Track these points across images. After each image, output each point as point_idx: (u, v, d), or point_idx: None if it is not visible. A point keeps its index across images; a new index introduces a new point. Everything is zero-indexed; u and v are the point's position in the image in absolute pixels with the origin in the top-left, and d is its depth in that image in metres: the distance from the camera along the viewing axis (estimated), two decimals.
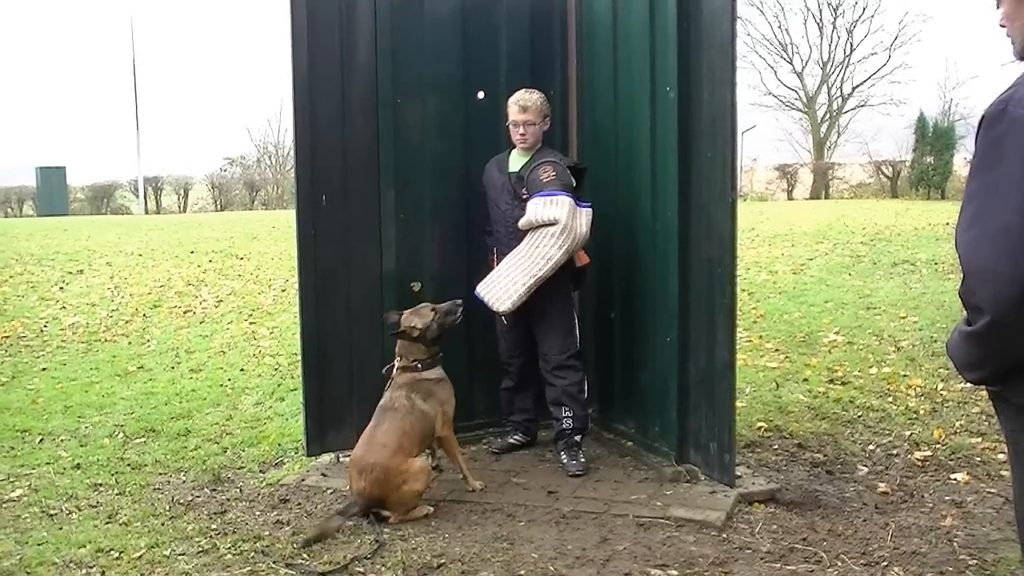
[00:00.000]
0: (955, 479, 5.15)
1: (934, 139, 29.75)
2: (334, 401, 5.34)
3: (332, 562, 4.12)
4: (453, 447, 5.06)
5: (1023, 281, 2.16)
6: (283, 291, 11.13)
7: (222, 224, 19.69)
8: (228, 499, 5.04)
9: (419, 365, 4.94)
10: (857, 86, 41.52)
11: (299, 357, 5.43)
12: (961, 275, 2.32)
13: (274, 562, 4.13)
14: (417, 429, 4.81)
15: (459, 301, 5.11)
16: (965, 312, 2.35)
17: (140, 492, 5.14)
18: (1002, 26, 2.43)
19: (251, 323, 9.52)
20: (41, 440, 6.10)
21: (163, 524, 4.65)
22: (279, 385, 7.29)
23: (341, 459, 5.41)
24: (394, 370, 4.98)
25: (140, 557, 4.23)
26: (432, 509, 4.77)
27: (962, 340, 2.36)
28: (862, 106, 41.59)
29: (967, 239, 2.27)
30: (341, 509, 4.66)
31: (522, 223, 5.21)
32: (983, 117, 2.29)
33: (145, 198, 36.30)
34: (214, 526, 4.62)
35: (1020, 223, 2.16)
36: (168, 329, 9.45)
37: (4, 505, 4.99)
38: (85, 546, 4.36)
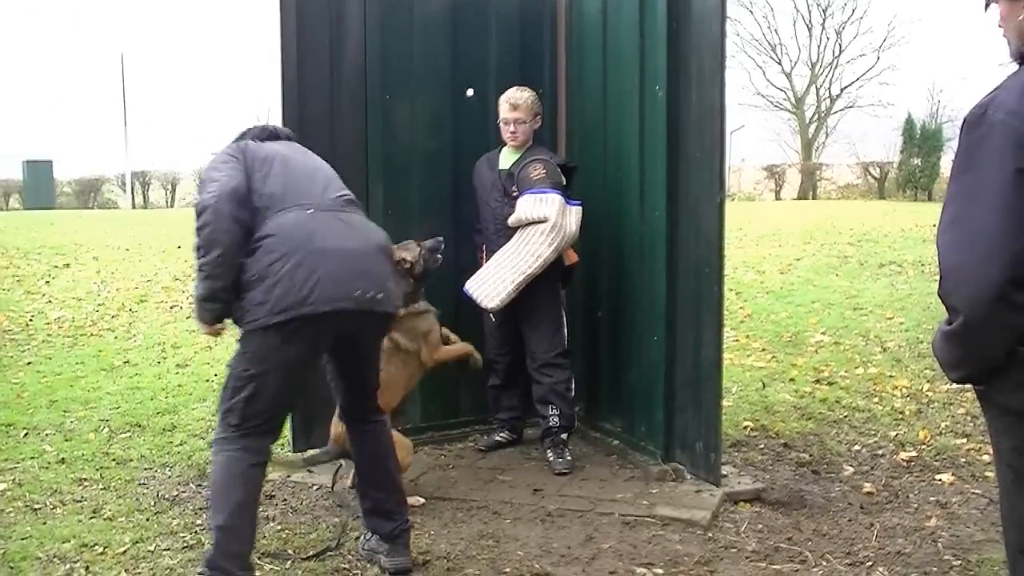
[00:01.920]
0: (940, 480, 5.17)
1: (922, 141, 29.90)
2: (320, 397, 5.29)
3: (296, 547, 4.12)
4: (451, 355, 5.09)
5: (997, 283, 2.19)
6: None
7: None
8: None
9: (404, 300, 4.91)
10: (845, 87, 41.70)
11: None
12: (940, 276, 2.35)
13: (259, 557, 4.12)
14: (401, 372, 4.85)
15: (441, 238, 5.05)
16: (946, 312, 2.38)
17: (125, 487, 5.12)
18: (1000, 27, 2.45)
19: None
20: (26, 434, 6.07)
21: (148, 519, 4.63)
22: None
23: (332, 427, 5.39)
24: None
25: (124, 552, 4.22)
26: (424, 500, 4.78)
27: (943, 340, 2.40)
28: (850, 107, 41.77)
29: (945, 241, 2.31)
30: (307, 457, 4.75)
31: (512, 220, 5.22)
32: (964, 120, 2.32)
33: (132, 193, 36.22)
34: (199, 521, 4.60)
35: (995, 226, 2.19)
36: (154, 324, 9.42)
37: None
38: (69, 541, 4.34)
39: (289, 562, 4.08)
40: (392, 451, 4.09)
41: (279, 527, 4.50)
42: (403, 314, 4.88)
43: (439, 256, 5.00)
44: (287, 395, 3.70)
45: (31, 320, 9.60)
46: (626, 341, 5.53)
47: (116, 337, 8.95)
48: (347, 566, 4.06)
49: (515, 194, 5.26)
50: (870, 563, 4.08)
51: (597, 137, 5.70)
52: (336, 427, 4.76)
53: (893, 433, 5.96)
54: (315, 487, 5.04)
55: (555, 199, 5.13)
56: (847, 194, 33.69)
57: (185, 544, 4.30)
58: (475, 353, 5.18)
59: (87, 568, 4.07)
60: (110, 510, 4.76)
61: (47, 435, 6.05)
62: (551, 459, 5.35)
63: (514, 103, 5.36)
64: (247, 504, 3.59)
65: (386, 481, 3.99)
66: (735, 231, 15.22)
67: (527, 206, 5.15)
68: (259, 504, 3.71)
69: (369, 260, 3.69)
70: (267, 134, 3.96)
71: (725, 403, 5.66)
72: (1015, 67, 2.38)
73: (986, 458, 5.37)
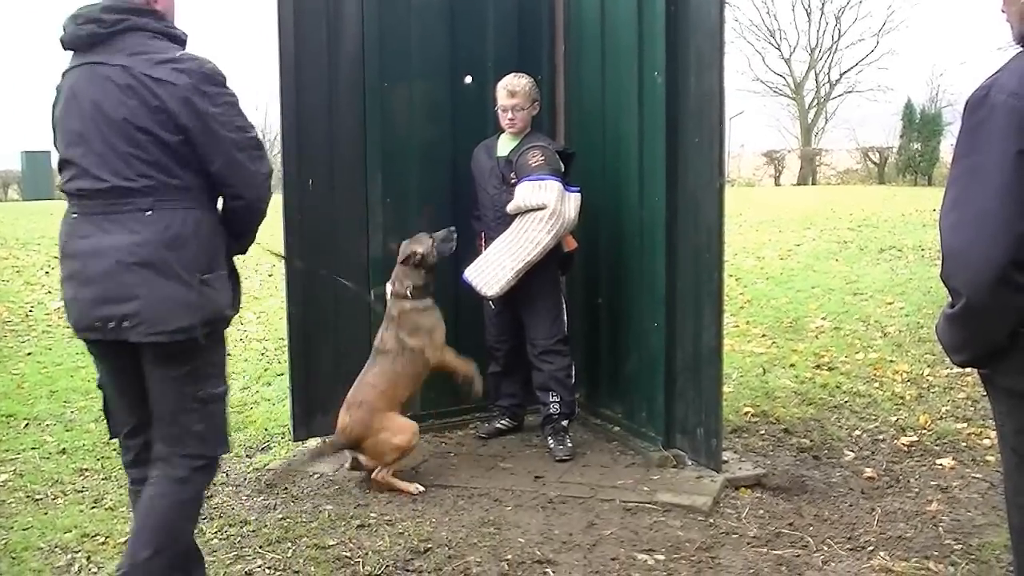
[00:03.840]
0: (941, 464, 5.17)
1: (921, 125, 29.89)
2: (321, 386, 5.32)
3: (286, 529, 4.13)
4: (452, 363, 5.11)
5: (998, 264, 2.19)
6: (269, 276, 11.11)
7: None
8: (214, 483, 4.99)
9: (409, 293, 4.98)
10: (845, 72, 41.65)
11: (285, 342, 5.41)
12: (941, 258, 2.35)
13: (260, 547, 4.12)
14: (408, 370, 4.93)
15: (453, 228, 5.19)
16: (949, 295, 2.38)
17: (126, 477, 5.10)
18: (1003, 12, 2.44)
19: None
20: (26, 425, 6.07)
21: None
22: (266, 370, 7.27)
23: (340, 418, 5.40)
24: (387, 296, 5.05)
25: (126, 542, 4.19)
26: (423, 488, 4.80)
27: (945, 322, 2.40)
28: (850, 92, 41.74)
29: (948, 223, 2.32)
30: (317, 449, 4.81)
31: (510, 207, 5.20)
32: (967, 102, 2.31)
33: None
34: (200, 511, 4.60)
35: (997, 208, 2.19)
36: None
37: None
38: (71, 531, 4.35)
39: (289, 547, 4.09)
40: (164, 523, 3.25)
41: (280, 515, 4.50)
42: (407, 309, 4.93)
43: (452, 244, 5.15)
44: (126, 410, 3.32)
45: (31, 311, 9.59)
46: (626, 327, 5.52)
47: None
48: (348, 554, 4.06)
49: (513, 181, 5.24)
50: (871, 548, 4.09)
51: (596, 123, 5.68)
52: (343, 418, 4.80)
53: (894, 418, 5.97)
54: (316, 475, 5.03)
55: (554, 186, 5.11)
56: (847, 179, 33.69)
57: None
58: (478, 377, 5.18)
59: (88, 558, 4.08)
60: (111, 500, 4.76)
61: (48, 425, 6.06)
62: (552, 446, 5.35)
63: (512, 90, 5.34)
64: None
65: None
66: (734, 217, 15.21)
67: (526, 193, 5.14)
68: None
69: (110, 280, 3.03)
70: (78, 41, 3.15)
71: (725, 389, 5.66)
72: (1015, 51, 2.37)
73: (987, 442, 5.37)
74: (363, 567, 3.94)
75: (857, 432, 5.75)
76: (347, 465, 4.96)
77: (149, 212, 3.03)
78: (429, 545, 4.12)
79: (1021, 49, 2.35)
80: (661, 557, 4.01)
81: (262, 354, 7.74)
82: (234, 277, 3.32)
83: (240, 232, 3.37)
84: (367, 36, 5.43)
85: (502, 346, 5.64)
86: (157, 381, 3.16)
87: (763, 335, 8.16)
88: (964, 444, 5.48)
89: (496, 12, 5.84)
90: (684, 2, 4.86)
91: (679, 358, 5.10)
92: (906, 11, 51.75)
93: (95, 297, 3.03)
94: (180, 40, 3.22)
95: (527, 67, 5.61)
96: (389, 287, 5.07)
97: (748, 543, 4.15)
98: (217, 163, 3.10)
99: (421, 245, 5.03)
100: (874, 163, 33.03)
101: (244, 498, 4.80)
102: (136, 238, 3.01)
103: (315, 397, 5.32)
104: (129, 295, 3.00)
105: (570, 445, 5.35)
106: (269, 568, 3.96)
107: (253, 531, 4.32)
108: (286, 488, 4.91)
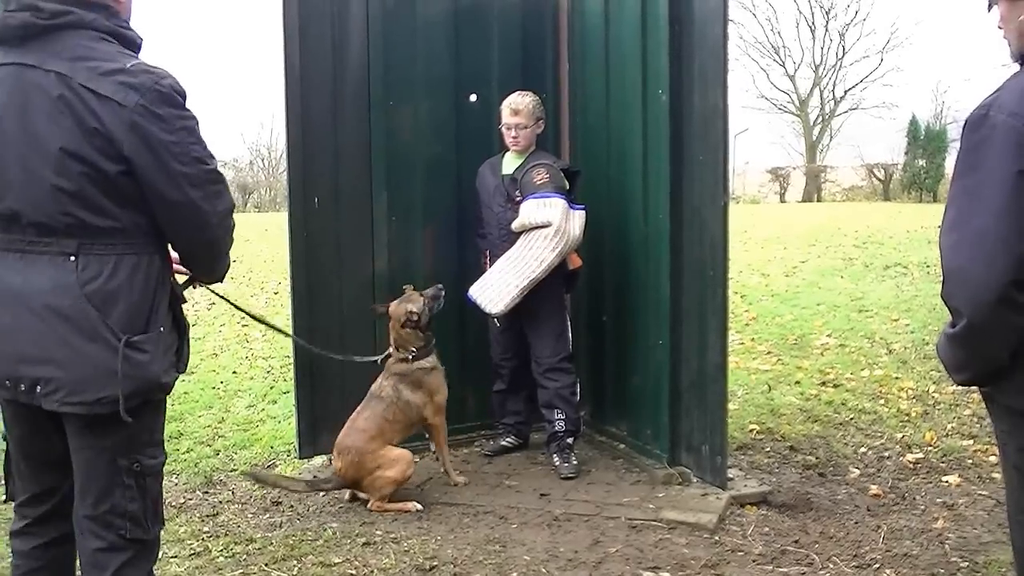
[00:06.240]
0: (947, 481, 5.16)
1: (926, 142, 29.84)
2: (326, 404, 5.32)
3: (292, 546, 4.13)
4: (440, 436, 5.16)
5: (999, 284, 2.19)
6: (275, 294, 11.12)
7: None
8: (220, 501, 5.03)
9: (411, 356, 5.03)
10: (849, 89, 41.62)
11: (291, 360, 5.42)
12: (942, 278, 2.35)
13: (266, 564, 4.12)
14: (399, 419, 4.96)
15: (440, 286, 5.20)
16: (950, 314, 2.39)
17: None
18: (1000, 28, 2.45)
19: (243, 326, 9.50)
20: None
21: None
22: (271, 388, 7.27)
23: (333, 462, 5.41)
24: (390, 360, 5.07)
25: None
26: (420, 506, 4.81)
27: (947, 342, 2.40)
28: (854, 109, 41.68)
29: (948, 242, 2.32)
30: (312, 480, 4.86)
31: (515, 225, 5.22)
32: (966, 121, 2.32)
33: None
34: (206, 529, 4.61)
35: (997, 227, 2.19)
36: None
37: None
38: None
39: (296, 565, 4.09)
40: None
41: (286, 533, 4.51)
42: (412, 369, 4.99)
43: (441, 302, 5.16)
44: (31, 476, 2.79)
45: None
46: (631, 345, 5.52)
47: None
48: (354, 571, 4.06)
49: (518, 199, 5.26)
50: (877, 565, 4.08)
51: (600, 141, 5.70)
52: (337, 463, 4.87)
53: (899, 435, 5.95)
54: (321, 493, 5.04)
55: (558, 203, 5.13)
56: (852, 196, 33.62)
57: (192, 551, 4.31)
58: (451, 469, 5.22)
59: None
60: None
61: None
62: (557, 463, 5.35)
63: (515, 108, 5.36)
64: None
65: None
66: (739, 234, 15.22)
67: (530, 211, 5.15)
68: None
69: (23, 333, 2.53)
70: (7, 32, 2.52)
71: (731, 406, 5.65)
72: (1017, 68, 2.38)
73: (992, 459, 5.36)
74: None
75: (863, 449, 5.74)
76: (347, 496, 4.97)
77: (73, 257, 2.50)
78: (435, 563, 4.12)
79: (1020, 67, 2.36)
80: (666, 575, 4.01)
81: (268, 372, 7.74)
82: (179, 331, 2.80)
83: (200, 272, 2.92)
84: (372, 54, 5.45)
85: (507, 363, 5.64)
86: (83, 452, 2.64)
87: (768, 352, 8.15)
88: (970, 461, 5.47)
89: (501, 31, 5.87)
90: (688, 20, 4.89)
91: (684, 375, 5.10)
92: (910, 28, 51.72)
93: (5, 352, 2.54)
94: (134, 44, 2.63)
95: (531, 85, 5.63)
96: (392, 350, 5.09)
97: (753, 560, 4.14)
98: (165, 202, 2.53)
99: (414, 304, 5.05)
100: (879, 180, 32.99)
101: (250, 516, 4.80)
102: (55, 286, 2.49)
103: (321, 415, 5.32)
104: (44, 356, 2.50)
105: (575, 462, 5.35)
106: None
107: (259, 549, 4.32)
108: (292, 506, 4.92)
